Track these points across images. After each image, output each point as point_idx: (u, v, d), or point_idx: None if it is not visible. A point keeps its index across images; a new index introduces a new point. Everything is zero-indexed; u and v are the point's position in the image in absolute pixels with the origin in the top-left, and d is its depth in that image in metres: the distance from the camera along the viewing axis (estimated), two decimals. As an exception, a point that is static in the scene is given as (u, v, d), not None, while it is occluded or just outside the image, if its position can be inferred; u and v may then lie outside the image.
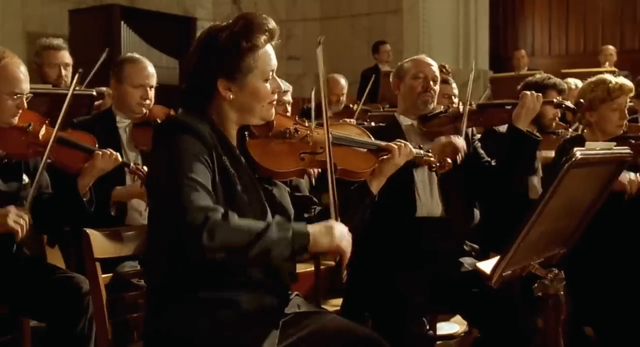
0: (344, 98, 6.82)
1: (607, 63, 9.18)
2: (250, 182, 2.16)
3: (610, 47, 9.71)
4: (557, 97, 4.18)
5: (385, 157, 2.54)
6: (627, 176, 3.27)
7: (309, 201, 2.44)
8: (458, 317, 3.85)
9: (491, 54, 11.45)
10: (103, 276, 2.32)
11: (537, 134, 3.27)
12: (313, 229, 2.05)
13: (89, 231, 2.30)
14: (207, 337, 2.04)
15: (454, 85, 5.16)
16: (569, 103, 3.55)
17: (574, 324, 3.59)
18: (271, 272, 2.13)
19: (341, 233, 2.11)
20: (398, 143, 2.60)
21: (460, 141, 3.09)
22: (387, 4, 11.26)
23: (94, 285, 2.32)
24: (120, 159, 3.11)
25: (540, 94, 3.24)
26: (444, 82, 5.26)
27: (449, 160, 2.86)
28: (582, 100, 3.53)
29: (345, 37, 11.38)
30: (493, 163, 3.28)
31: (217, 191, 2.04)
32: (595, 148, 2.03)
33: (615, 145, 2.24)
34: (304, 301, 2.35)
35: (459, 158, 3.07)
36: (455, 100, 4.82)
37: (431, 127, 3.25)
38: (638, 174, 3.31)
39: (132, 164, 3.28)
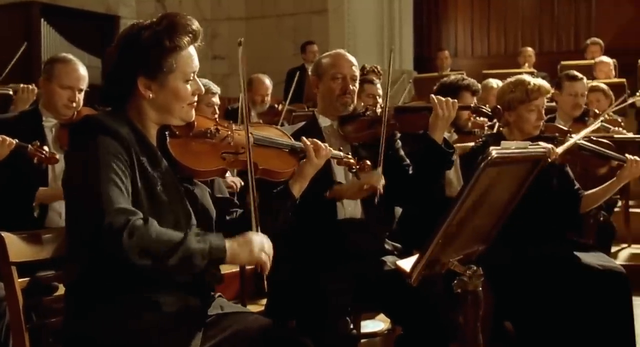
0: (268, 98, 6.81)
1: (526, 64, 9.43)
2: (171, 182, 2.13)
3: (529, 49, 9.97)
4: (472, 98, 4.27)
5: (304, 158, 2.53)
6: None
7: (230, 203, 2.42)
8: (383, 315, 3.89)
9: (415, 55, 11.61)
10: (20, 280, 2.26)
11: (450, 146, 3.22)
12: (231, 243, 2.06)
13: (4, 234, 2.22)
14: (129, 339, 2.01)
15: (378, 85, 5.20)
16: (485, 109, 3.55)
17: (495, 319, 3.68)
18: (195, 273, 2.11)
19: (260, 245, 2.11)
20: (316, 144, 2.58)
21: (376, 179, 3.02)
22: (313, 5, 11.30)
23: (10, 290, 2.25)
24: (14, 142, 3.04)
25: (455, 101, 3.16)
26: (369, 82, 5.31)
27: (368, 162, 2.87)
28: (499, 106, 3.58)
29: (270, 37, 11.37)
30: (411, 169, 3.27)
31: (137, 192, 2.02)
32: (511, 147, 2.07)
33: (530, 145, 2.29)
34: (227, 301, 2.34)
35: (378, 193, 3.06)
36: (380, 100, 4.85)
37: (349, 132, 3.21)
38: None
39: (29, 146, 3.20)
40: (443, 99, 3.13)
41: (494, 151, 1.91)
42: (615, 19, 11.24)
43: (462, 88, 4.26)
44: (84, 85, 3.57)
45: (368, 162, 2.87)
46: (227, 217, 2.39)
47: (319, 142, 2.59)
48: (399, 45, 11.12)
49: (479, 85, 4.55)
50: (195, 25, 2.18)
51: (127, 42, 2.14)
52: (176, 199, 2.13)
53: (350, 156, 2.83)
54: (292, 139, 2.66)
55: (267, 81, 6.86)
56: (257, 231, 2.17)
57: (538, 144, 2.84)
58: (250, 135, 2.31)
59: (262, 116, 6.65)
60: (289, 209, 2.47)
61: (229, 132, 2.36)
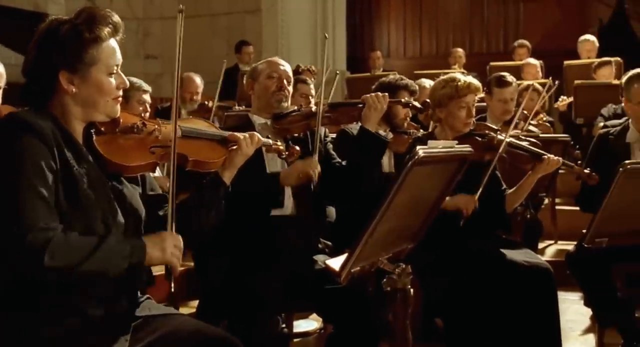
0: (198, 97, 6.77)
1: (456, 65, 9.58)
2: (97, 180, 2.10)
3: (460, 50, 10.14)
4: (410, 98, 4.33)
5: (234, 147, 2.53)
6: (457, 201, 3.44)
7: (161, 199, 2.40)
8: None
9: (348, 55, 11.68)
10: None
11: (386, 136, 3.35)
12: (147, 243, 2.05)
13: None
14: (50, 346, 1.97)
15: (312, 86, 5.23)
16: (416, 103, 3.66)
17: (425, 316, 3.74)
18: (120, 276, 2.08)
19: (173, 247, 2.10)
20: (244, 135, 2.56)
21: (310, 165, 3.08)
22: (246, 4, 11.25)
23: None
24: None
25: (386, 94, 3.33)
26: (302, 82, 5.34)
27: (297, 147, 2.91)
28: (428, 100, 3.66)
29: (204, 36, 11.26)
30: (343, 163, 3.34)
31: (59, 192, 1.98)
32: (438, 146, 2.11)
33: (457, 144, 2.33)
34: (155, 303, 2.31)
35: (313, 181, 3.10)
36: (312, 100, 4.88)
37: (283, 124, 3.27)
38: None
39: None
40: (374, 93, 3.30)
41: (420, 150, 1.94)
42: (542, 22, 11.52)
43: (400, 87, 4.33)
44: (2, 82, 3.49)
45: (297, 148, 2.91)
46: (160, 213, 2.36)
47: (247, 133, 2.59)
48: (332, 45, 11.16)
49: (416, 86, 4.62)
50: (116, 18, 2.16)
51: (46, 37, 2.11)
52: (103, 196, 2.09)
53: (279, 143, 2.85)
54: (221, 130, 2.66)
55: (198, 80, 6.82)
56: (171, 230, 2.15)
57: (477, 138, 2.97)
58: (178, 127, 2.29)
59: (193, 114, 6.61)
60: (222, 197, 2.45)
61: (157, 126, 2.34)
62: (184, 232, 2.18)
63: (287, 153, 2.87)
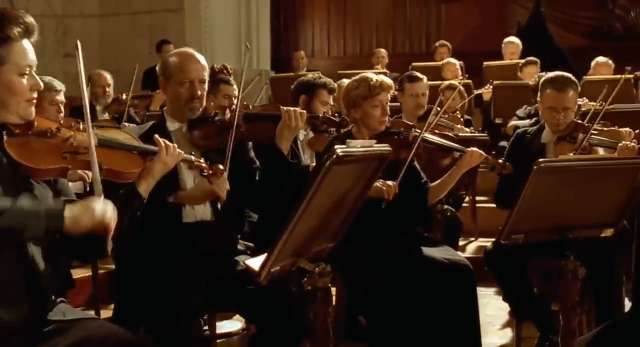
0: (110, 90, 6.68)
1: (379, 65, 9.68)
2: (8, 182, 2.05)
3: (382, 50, 10.26)
4: (328, 96, 4.35)
5: (153, 158, 2.50)
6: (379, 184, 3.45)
7: None
8: (241, 315, 3.89)
9: (272, 55, 11.67)
10: None
11: (296, 156, 3.23)
12: (71, 207, 2.02)
13: None
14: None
15: (235, 86, 5.17)
16: (334, 118, 3.61)
17: (348, 314, 3.76)
18: (31, 279, 2.03)
19: (103, 209, 2.07)
20: (166, 144, 2.53)
21: (219, 185, 3.00)
22: (168, 3, 11.10)
23: None
24: None
25: (304, 112, 3.20)
26: (225, 82, 5.29)
27: (221, 166, 2.86)
28: (345, 117, 3.67)
29: (125, 34, 11.08)
30: (258, 174, 3.27)
31: None
32: (357, 146, 2.12)
33: (375, 143, 2.35)
34: (70, 307, 2.26)
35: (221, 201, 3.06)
36: (236, 101, 4.83)
37: (198, 138, 3.15)
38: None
39: None
40: (292, 109, 3.17)
41: (338, 150, 1.95)
42: (463, 23, 11.75)
43: (319, 86, 4.33)
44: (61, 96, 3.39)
45: (221, 167, 2.85)
46: None
47: (172, 144, 2.57)
48: (256, 45, 11.14)
49: (335, 85, 4.63)
50: (29, 19, 2.13)
51: None
52: (9, 196, 2.04)
53: (202, 161, 2.81)
54: (141, 143, 2.62)
55: (106, 74, 6.75)
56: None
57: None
58: (94, 136, 2.26)
59: (109, 108, 6.53)
60: (136, 208, 2.42)
61: (72, 133, 2.30)
62: None
63: (210, 172, 2.83)
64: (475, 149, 3.76)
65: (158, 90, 6.67)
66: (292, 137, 3.21)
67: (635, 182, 2.87)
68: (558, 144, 4.05)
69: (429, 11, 12.24)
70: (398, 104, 5.41)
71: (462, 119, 6.26)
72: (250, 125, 3.24)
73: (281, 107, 3.21)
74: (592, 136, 4.00)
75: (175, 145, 2.56)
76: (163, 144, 2.50)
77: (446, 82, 6.41)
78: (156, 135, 2.59)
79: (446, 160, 3.80)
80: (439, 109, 5.38)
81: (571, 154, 3.94)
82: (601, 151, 4.02)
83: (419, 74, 5.31)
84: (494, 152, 4.15)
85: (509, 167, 3.83)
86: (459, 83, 6.28)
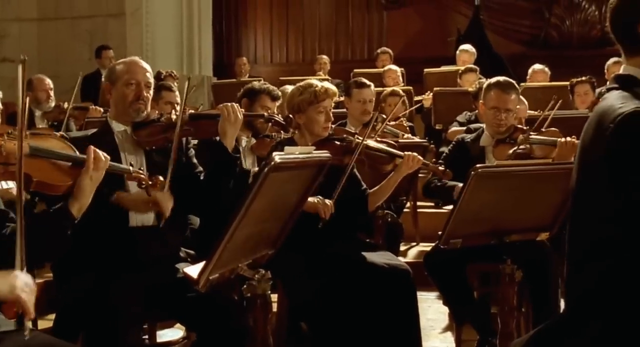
0: (52, 94, 6.56)
1: (321, 72, 9.72)
2: None
3: (325, 57, 10.30)
4: (272, 103, 4.35)
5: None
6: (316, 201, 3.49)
7: (4, 217, 2.28)
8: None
9: (215, 61, 11.61)
10: None
11: (237, 152, 3.29)
12: None
13: None
14: None
15: (177, 93, 5.15)
16: (279, 118, 3.65)
17: (291, 320, 3.76)
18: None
19: (23, 284, 1.98)
20: (95, 156, 2.47)
21: (162, 199, 3.00)
22: (109, 7, 10.96)
23: None
24: None
25: (237, 105, 3.28)
26: (167, 89, 5.26)
27: (161, 178, 2.84)
28: (290, 115, 3.69)
29: (65, 39, 10.90)
30: (203, 176, 3.29)
31: None
32: (295, 152, 2.13)
33: (315, 149, 2.36)
34: (4, 318, 2.20)
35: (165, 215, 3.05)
36: (178, 107, 4.81)
37: (143, 136, 3.18)
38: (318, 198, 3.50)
39: None
40: (228, 104, 3.24)
41: (276, 156, 1.96)
42: (404, 31, 11.87)
43: (262, 92, 4.34)
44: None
45: (161, 178, 2.84)
46: (5, 231, 2.25)
47: (100, 153, 2.50)
48: (199, 51, 11.07)
49: (278, 91, 4.65)
50: None
51: None
52: None
53: (141, 171, 2.78)
54: (77, 152, 2.55)
55: (47, 79, 6.63)
56: (22, 267, 2.03)
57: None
58: (26, 145, 2.19)
59: (48, 115, 6.40)
60: (66, 228, 2.35)
61: (2, 142, 2.22)
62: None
63: (150, 183, 2.80)
64: (412, 153, 3.80)
65: (93, 106, 6.61)
66: (235, 133, 3.27)
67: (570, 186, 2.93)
68: (497, 146, 4.14)
69: (371, 18, 12.34)
70: (343, 110, 5.45)
71: (407, 127, 6.33)
72: (195, 124, 3.28)
73: (221, 105, 3.27)
74: (532, 137, 4.10)
75: (104, 155, 2.50)
76: (92, 155, 2.44)
77: (389, 89, 6.46)
78: (90, 147, 2.52)
79: (389, 166, 3.84)
80: (384, 116, 5.47)
81: (510, 152, 4.04)
82: (540, 153, 4.10)
83: (366, 81, 5.37)
84: (434, 159, 4.22)
85: (449, 174, 3.88)
86: (388, 91, 6.34)
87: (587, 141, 1.96)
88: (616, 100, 1.88)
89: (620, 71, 2.04)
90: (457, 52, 9.25)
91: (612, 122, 1.81)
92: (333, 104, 3.78)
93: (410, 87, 7.86)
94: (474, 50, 9.19)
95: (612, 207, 1.78)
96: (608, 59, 7.11)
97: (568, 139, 3.95)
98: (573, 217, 2.02)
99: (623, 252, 1.75)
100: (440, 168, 3.93)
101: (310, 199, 3.44)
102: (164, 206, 3.01)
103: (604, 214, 1.81)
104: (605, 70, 7.13)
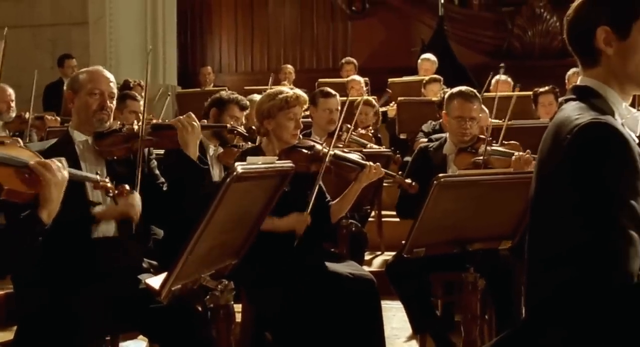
0: (13, 105, 6.48)
1: (286, 81, 9.72)
2: None
3: (289, 66, 10.30)
4: (240, 112, 4.36)
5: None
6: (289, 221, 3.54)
7: None
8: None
9: (179, 70, 11.57)
10: None
11: (205, 163, 3.27)
12: None
13: None
14: None
15: (141, 102, 5.12)
16: (241, 129, 3.65)
17: (256, 330, 3.75)
18: None
19: None
20: (51, 163, 2.44)
21: (130, 205, 3.01)
22: (72, 16, 10.86)
23: None
24: None
25: (201, 122, 3.27)
26: (132, 98, 5.23)
27: (127, 186, 2.83)
28: (253, 127, 3.70)
29: (27, 47, 10.77)
30: (165, 186, 3.28)
31: None
32: (257, 162, 2.13)
33: (279, 158, 2.37)
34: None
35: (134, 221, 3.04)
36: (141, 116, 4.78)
37: (105, 146, 3.15)
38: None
39: None
40: (183, 117, 3.20)
41: (239, 167, 1.96)
42: (369, 40, 11.95)
43: (230, 101, 4.34)
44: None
45: (127, 187, 2.82)
46: None
47: (59, 160, 2.48)
48: (163, 60, 11.02)
49: (246, 101, 4.66)
50: None
51: None
52: None
53: (107, 180, 2.77)
54: (42, 158, 2.53)
55: (10, 89, 6.55)
56: None
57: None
58: None
59: (9, 125, 6.32)
60: (38, 234, 2.34)
61: None
62: None
63: (116, 192, 2.79)
64: (373, 164, 3.80)
65: (49, 116, 6.55)
66: (197, 142, 3.23)
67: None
68: (459, 155, 4.18)
69: (336, 28, 12.39)
70: (308, 120, 5.45)
71: (373, 137, 6.37)
72: (157, 134, 3.26)
73: (175, 119, 3.25)
74: (491, 148, 4.16)
75: (62, 162, 2.48)
76: (49, 166, 2.41)
77: (359, 99, 6.49)
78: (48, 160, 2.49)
79: (355, 175, 3.84)
80: (349, 126, 5.50)
81: (471, 161, 4.09)
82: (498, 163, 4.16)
83: (331, 90, 5.40)
84: (400, 172, 4.25)
85: (416, 187, 3.90)
86: (361, 99, 6.37)
87: (545, 152, 1.99)
88: (573, 112, 1.91)
89: (578, 82, 2.07)
90: (419, 60, 9.33)
91: (569, 133, 1.84)
92: (302, 113, 3.79)
93: (375, 97, 7.90)
94: (434, 58, 9.27)
95: (569, 218, 1.81)
96: (569, 69, 7.22)
97: (522, 154, 4.01)
98: (531, 227, 2.04)
99: (580, 262, 1.77)
100: (407, 181, 3.94)
101: (284, 219, 3.52)
102: (132, 213, 2.99)
103: (561, 225, 1.84)
104: (566, 81, 7.23)
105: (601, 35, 1.96)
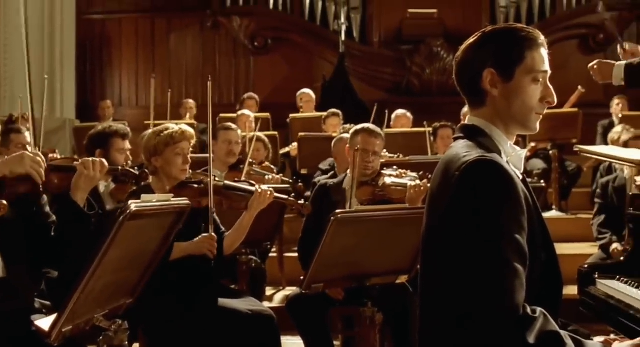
0: None
1: (188, 115, 9.65)
2: None
3: (191, 101, 10.23)
4: (123, 142, 4.29)
5: None
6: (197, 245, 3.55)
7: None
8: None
9: (78, 103, 11.32)
10: None
11: (93, 207, 3.03)
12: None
13: None
14: None
15: (27, 134, 5.00)
16: (133, 171, 3.54)
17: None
18: None
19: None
20: None
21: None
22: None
23: None
24: None
25: (104, 161, 3.02)
26: (17, 131, 5.11)
27: (4, 202, 2.71)
28: (143, 165, 3.65)
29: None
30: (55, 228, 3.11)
31: None
32: (152, 200, 2.11)
33: (174, 195, 2.35)
34: None
35: None
36: (30, 148, 4.64)
37: None
38: None
39: None
40: (90, 159, 3.01)
41: (132, 205, 1.93)
42: (271, 76, 12.02)
43: (112, 135, 4.27)
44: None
45: (4, 202, 2.70)
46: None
47: None
48: (60, 92, 10.77)
49: (128, 129, 4.60)
50: None
51: None
52: None
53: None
54: None
55: None
56: None
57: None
58: None
59: None
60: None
61: None
62: None
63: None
64: (264, 187, 3.80)
65: None
66: (89, 188, 3.03)
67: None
68: (360, 188, 4.24)
69: (238, 63, 12.41)
70: (205, 155, 5.42)
71: (273, 169, 6.39)
72: (53, 176, 3.00)
73: (79, 162, 3.02)
74: (389, 179, 4.26)
75: None
76: None
77: (251, 134, 6.51)
78: None
79: (245, 204, 3.82)
80: (250, 160, 5.54)
81: (371, 193, 4.18)
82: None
83: (232, 124, 5.50)
84: (293, 195, 4.29)
85: (308, 207, 3.96)
86: (254, 135, 6.39)
87: (435, 188, 2.05)
88: (461, 149, 1.99)
89: (466, 121, 2.16)
90: (297, 95, 9.41)
91: (457, 170, 1.91)
92: (191, 149, 3.76)
93: (276, 132, 7.94)
94: (310, 91, 9.45)
95: (458, 253, 1.86)
96: (464, 106, 7.46)
97: (418, 182, 4.11)
98: (423, 262, 2.09)
99: (469, 297, 1.83)
100: (299, 202, 3.98)
101: (192, 242, 3.52)
102: None
103: (450, 260, 1.89)
104: (462, 117, 7.47)
105: (487, 77, 2.06)
